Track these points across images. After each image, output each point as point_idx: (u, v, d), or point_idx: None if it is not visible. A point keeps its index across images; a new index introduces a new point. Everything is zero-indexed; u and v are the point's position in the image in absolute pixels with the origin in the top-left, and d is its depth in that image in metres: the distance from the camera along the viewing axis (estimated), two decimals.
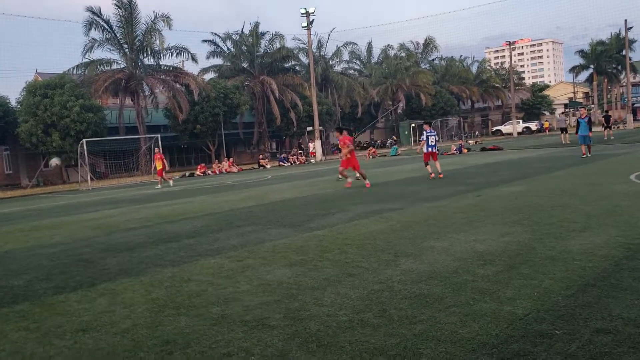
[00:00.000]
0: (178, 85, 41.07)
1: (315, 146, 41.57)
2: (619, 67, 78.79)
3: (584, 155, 19.26)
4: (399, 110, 62.33)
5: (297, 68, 53.67)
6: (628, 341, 3.37)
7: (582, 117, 20.36)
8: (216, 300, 4.99)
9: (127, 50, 40.05)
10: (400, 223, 8.50)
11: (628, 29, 57.60)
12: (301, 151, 44.88)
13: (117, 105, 41.44)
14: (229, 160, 38.29)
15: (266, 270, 6.03)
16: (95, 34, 39.02)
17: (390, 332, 3.84)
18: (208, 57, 49.31)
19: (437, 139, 16.72)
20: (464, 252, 6.10)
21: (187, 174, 34.90)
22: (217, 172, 35.46)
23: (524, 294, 4.42)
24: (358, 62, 63.21)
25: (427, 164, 16.51)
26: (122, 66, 40.58)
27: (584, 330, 3.59)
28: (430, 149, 16.30)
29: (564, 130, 33.87)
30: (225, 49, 49.07)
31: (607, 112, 43.50)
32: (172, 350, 3.85)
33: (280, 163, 38.96)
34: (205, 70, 49.48)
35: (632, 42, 68.89)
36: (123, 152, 36.87)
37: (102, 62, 40.02)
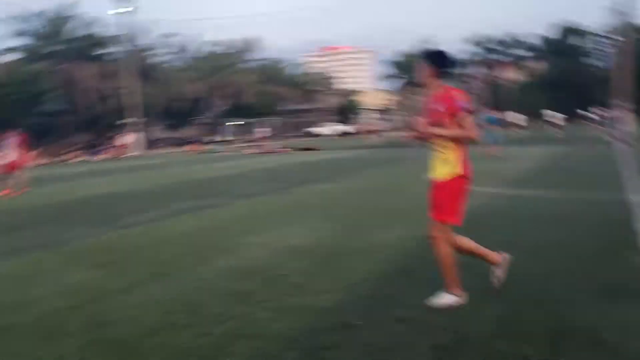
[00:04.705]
0: None
1: None
2: None
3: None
4: (224, 108, 61.81)
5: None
6: (418, 327, 3.65)
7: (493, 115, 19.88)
8: None
9: None
10: (220, 220, 8.39)
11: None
12: None
13: None
14: None
15: (64, 273, 5.47)
16: None
17: (201, 331, 3.72)
18: None
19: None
20: (280, 247, 6.20)
21: None
22: None
23: (332, 287, 4.61)
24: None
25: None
26: None
27: (385, 319, 3.83)
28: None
29: (375, 132, 36.86)
30: None
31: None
32: None
33: None
34: None
35: None
36: None
37: None
